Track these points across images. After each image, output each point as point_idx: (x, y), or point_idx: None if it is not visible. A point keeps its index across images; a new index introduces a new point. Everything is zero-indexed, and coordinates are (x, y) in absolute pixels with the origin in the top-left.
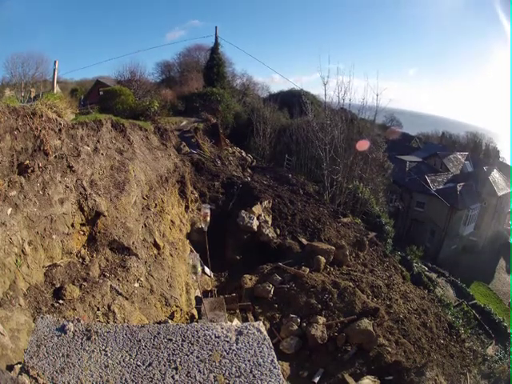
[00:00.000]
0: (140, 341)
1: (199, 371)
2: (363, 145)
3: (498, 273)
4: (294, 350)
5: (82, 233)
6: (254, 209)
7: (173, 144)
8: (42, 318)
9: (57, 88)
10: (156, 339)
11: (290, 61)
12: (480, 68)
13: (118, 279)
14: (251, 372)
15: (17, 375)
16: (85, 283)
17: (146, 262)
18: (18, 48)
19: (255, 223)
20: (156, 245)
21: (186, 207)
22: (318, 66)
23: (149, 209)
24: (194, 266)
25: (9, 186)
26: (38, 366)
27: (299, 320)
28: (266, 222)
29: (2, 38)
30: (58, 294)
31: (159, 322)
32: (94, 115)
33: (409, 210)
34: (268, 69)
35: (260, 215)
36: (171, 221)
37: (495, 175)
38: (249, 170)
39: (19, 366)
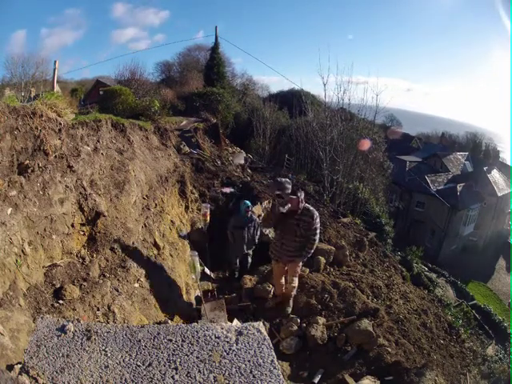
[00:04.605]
0: (140, 341)
1: (199, 371)
2: (364, 144)
3: (497, 273)
4: (293, 350)
5: (82, 233)
6: (254, 209)
7: (173, 144)
8: (41, 318)
9: (57, 88)
10: (156, 339)
11: (289, 60)
12: (480, 68)
13: (118, 279)
14: (251, 372)
15: (17, 375)
16: (85, 283)
17: (146, 262)
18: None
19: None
20: (156, 245)
21: (186, 207)
22: (318, 66)
23: (149, 209)
24: (194, 265)
25: (9, 185)
26: (37, 366)
27: (299, 320)
28: None
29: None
30: (57, 294)
31: (159, 323)
32: (94, 115)
33: (409, 210)
34: (268, 68)
35: (260, 215)
36: (171, 221)
37: (495, 175)
38: (249, 170)
39: (19, 366)
